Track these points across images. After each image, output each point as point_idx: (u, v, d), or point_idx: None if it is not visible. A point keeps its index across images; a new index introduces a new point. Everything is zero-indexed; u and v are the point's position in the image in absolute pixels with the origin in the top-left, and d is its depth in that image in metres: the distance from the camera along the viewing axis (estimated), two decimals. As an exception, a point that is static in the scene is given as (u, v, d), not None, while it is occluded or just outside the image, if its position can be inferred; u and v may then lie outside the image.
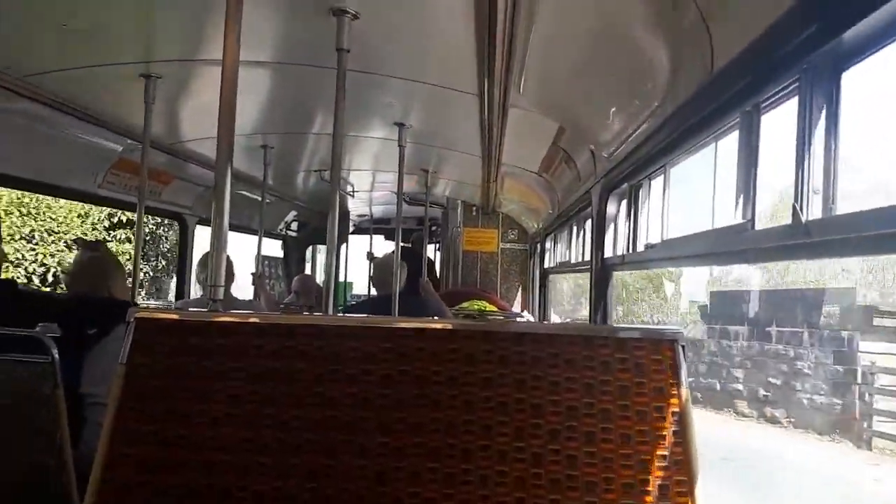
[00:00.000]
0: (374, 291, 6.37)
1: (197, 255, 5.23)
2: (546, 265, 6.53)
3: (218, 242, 1.85)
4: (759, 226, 1.65)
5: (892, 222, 1.11)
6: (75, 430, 2.77)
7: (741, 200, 1.69)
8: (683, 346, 1.48)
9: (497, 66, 2.50)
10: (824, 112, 1.37)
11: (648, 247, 2.74)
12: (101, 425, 1.50)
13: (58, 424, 2.48)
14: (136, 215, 3.82)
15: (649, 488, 1.40)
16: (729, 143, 1.88)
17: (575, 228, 4.83)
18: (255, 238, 5.87)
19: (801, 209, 1.39)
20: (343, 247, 9.29)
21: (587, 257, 3.89)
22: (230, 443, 1.44)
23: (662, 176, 2.59)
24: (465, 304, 6.46)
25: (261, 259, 5.88)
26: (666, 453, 1.42)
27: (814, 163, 1.38)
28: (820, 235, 1.34)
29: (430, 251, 9.88)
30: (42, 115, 3.37)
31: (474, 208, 7.58)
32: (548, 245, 6.38)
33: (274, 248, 8.84)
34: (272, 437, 1.45)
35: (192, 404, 1.46)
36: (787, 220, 1.46)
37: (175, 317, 1.57)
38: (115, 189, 4.53)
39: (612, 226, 3.29)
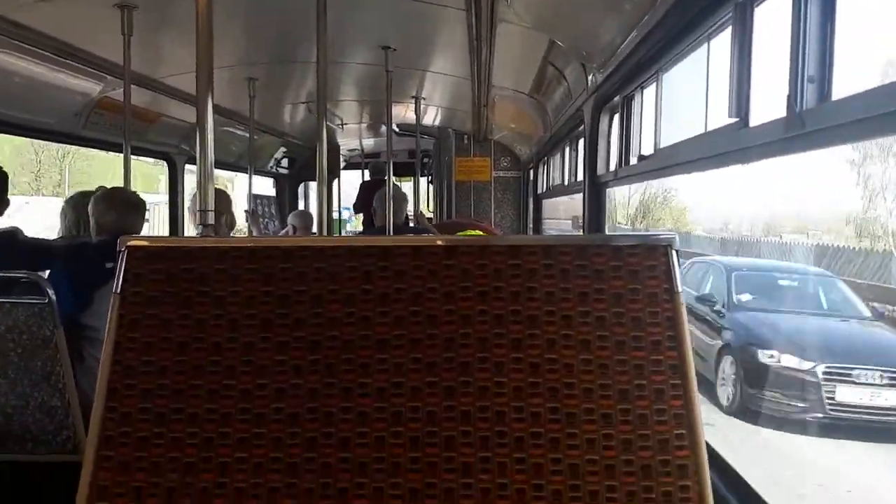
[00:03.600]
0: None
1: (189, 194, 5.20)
2: (539, 191, 6.50)
3: (203, 172, 1.85)
4: (753, 123, 1.62)
5: (888, 103, 1.08)
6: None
7: (734, 99, 1.65)
8: (677, 252, 1.48)
9: None
10: (820, -5, 1.32)
11: (641, 159, 2.71)
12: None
13: (61, 364, 2.51)
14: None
15: (645, 393, 1.41)
16: (722, 42, 1.82)
17: (567, 149, 4.78)
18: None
19: (796, 100, 1.36)
20: (335, 182, 9.22)
21: (580, 178, 3.87)
22: (230, 367, 1.45)
23: (655, 84, 2.53)
24: (458, 234, 6.47)
25: (252, 196, 5.84)
26: (661, 358, 1.43)
27: (809, 50, 1.34)
28: (815, 125, 1.31)
29: (423, 183, 9.84)
30: (16, 52, 3.27)
31: (466, 137, 7.49)
32: (541, 170, 6.34)
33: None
34: (271, 359, 1.45)
35: (189, 331, 1.46)
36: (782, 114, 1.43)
37: (167, 244, 1.55)
38: (100, 129, 4.46)
39: (604, 142, 3.25)
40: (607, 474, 1.38)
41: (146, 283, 1.48)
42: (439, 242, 1.51)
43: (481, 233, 6.97)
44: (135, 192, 3.32)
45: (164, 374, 1.44)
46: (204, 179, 1.84)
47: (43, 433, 2.53)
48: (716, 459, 1.58)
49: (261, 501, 1.39)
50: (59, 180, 27.75)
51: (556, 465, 1.39)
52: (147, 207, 3.35)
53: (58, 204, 3.76)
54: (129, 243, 1.50)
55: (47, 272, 2.98)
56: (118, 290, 1.47)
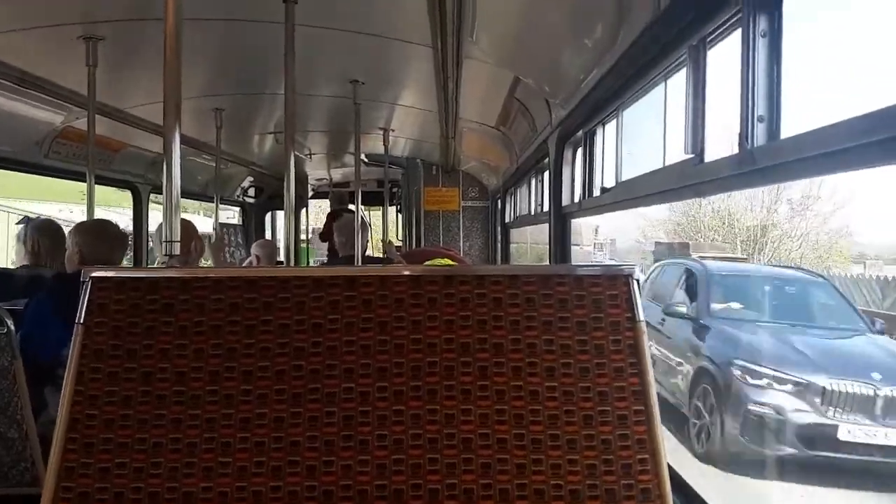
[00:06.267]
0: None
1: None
2: (507, 220, 6.57)
3: (169, 202, 1.85)
4: (707, 159, 1.69)
5: (833, 141, 1.14)
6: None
7: (690, 136, 1.72)
8: (638, 281, 1.52)
9: (449, 13, 2.48)
10: (767, 40, 1.40)
11: (604, 191, 2.78)
12: None
13: (18, 396, 2.45)
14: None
15: (609, 419, 1.44)
16: (678, 81, 1.90)
17: (533, 181, 4.86)
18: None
19: (747, 138, 1.42)
20: (303, 212, 9.19)
21: (546, 208, 3.93)
22: (196, 397, 1.44)
23: (616, 120, 2.61)
24: (427, 263, 6.50)
25: (218, 226, 5.79)
26: (623, 384, 1.46)
27: (758, 91, 1.41)
28: (766, 162, 1.37)
29: (392, 213, 9.85)
30: None
31: (434, 167, 7.57)
32: (508, 200, 6.42)
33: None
34: (237, 388, 1.45)
35: (153, 361, 1.45)
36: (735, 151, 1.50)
37: (131, 274, 1.54)
38: (62, 159, 4.40)
39: (568, 174, 3.32)
40: (572, 499, 1.40)
41: (110, 313, 1.47)
42: (405, 272, 1.53)
43: (450, 261, 7.02)
44: (117, 225, 3.29)
45: (128, 404, 1.43)
46: (170, 210, 1.83)
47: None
48: (679, 484, 1.60)
49: None
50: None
51: (521, 490, 1.40)
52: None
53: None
54: (92, 274, 1.50)
55: (12, 302, 2.93)
56: (81, 321, 1.47)
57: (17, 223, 3.51)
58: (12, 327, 2.41)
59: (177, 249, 1.81)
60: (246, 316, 1.48)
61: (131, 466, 1.40)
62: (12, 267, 3.52)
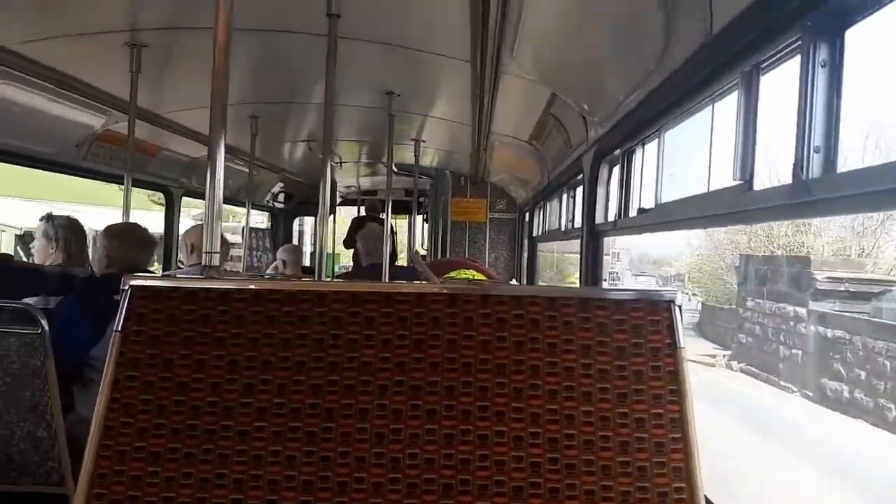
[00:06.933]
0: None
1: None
2: (535, 234, 6.54)
3: (212, 211, 1.85)
4: (756, 187, 1.65)
5: (892, 178, 1.11)
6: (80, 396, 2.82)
7: (739, 162, 1.68)
8: (680, 307, 1.49)
9: (490, 30, 2.47)
10: (827, 70, 1.37)
11: (641, 211, 2.74)
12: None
13: (49, 395, 2.47)
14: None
15: (645, 446, 1.41)
16: (727, 105, 1.87)
17: (565, 196, 4.83)
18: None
19: (802, 168, 1.39)
20: (330, 218, 9.25)
21: (577, 224, 3.89)
22: (229, 408, 1.44)
23: (657, 140, 2.57)
24: (452, 274, 6.49)
25: (248, 231, 5.83)
26: (662, 412, 1.43)
27: (815, 122, 1.38)
28: (821, 194, 1.34)
29: (419, 222, 9.88)
30: (21, 85, 3.29)
31: (463, 178, 7.57)
32: (536, 213, 6.39)
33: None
34: (271, 401, 1.44)
35: (189, 371, 1.45)
36: (786, 181, 1.46)
37: (171, 284, 1.55)
38: (100, 161, 4.47)
39: (603, 193, 3.28)
40: None
41: (148, 322, 1.48)
42: (443, 290, 1.52)
43: (475, 272, 6.99)
44: (146, 229, 3.31)
45: (162, 414, 1.43)
46: (212, 219, 1.83)
47: (27, 464, 2.48)
48: None
49: None
50: None
51: None
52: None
53: None
54: (132, 283, 1.50)
55: (35, 299, 2.97)
56: (119, 329, 1.47)
57: (39, 219, 3.46)
58: (46, 327, 2.44)
59: (216, 260, 1.80)
60: (282, 329, 1.48)
61: (163, 476, 1.40)
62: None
